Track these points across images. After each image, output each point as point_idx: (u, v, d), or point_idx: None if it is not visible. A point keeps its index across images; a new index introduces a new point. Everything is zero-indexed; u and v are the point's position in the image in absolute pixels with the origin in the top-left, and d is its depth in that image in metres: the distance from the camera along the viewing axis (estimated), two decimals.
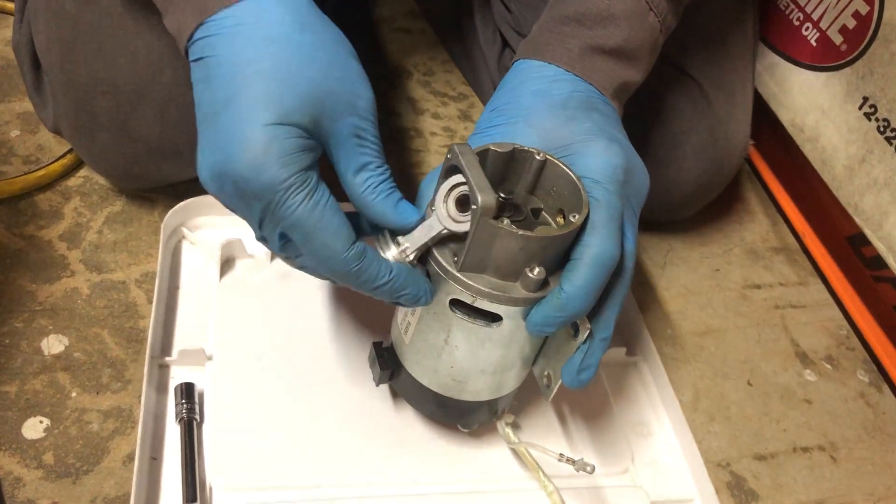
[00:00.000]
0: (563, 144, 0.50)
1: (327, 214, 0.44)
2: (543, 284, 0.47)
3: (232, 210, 0.46)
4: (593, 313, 0.49)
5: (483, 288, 0.46)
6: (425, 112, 0.96)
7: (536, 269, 0.45)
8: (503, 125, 0.52)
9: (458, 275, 0.47)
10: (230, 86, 0.43)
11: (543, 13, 0.58)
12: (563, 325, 0.47)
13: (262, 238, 0.48)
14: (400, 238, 0.48)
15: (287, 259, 0.49)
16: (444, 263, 0.47)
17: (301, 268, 0.49)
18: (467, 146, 0.46)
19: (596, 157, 0.49)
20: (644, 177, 0.53)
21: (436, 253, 0.47)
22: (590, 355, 0.49)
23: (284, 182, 0.42)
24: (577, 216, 0.46)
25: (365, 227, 0.50)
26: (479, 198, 0.43)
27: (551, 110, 0.52)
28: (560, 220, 0.50)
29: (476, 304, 0.47)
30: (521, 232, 0.44)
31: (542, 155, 0.48)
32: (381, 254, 0.47)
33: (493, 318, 0.49)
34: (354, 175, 0.46)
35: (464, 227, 0.46)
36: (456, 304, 0.49)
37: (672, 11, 0.58)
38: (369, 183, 0.46)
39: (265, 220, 0.45)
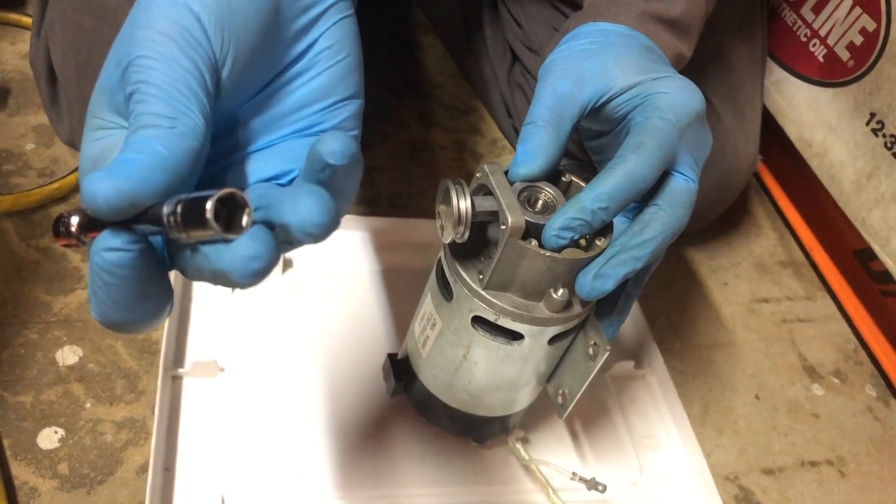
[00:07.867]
0: (647, 78, 0.49)
1: None
2: (567, 306, 0.47)
3: None
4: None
5: (507, 306, 0.47)
6: (435, 125, 0.96)
7: (560, 291, 0.46)
8: (590, 48, 0.50)
9: (482, 292, 0.47)
10: None
11: None
12: (581, 234, 0.44)
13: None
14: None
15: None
16: (469, 281, 0.47)
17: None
18: (498, 166, 0.46)
19: (674, 94, 0.48)
20: (710, 139, 0.51)
21: (461, 270, 0.48)
22: (612, 266, 0.45)
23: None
24: (602, 240, 0.46)
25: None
26: (510, 218, 0.43)
27: (639, 51, 0.51)
28: (583, 242, 0.49)
29: (499, 323, 0.48)
30: (548, 253, 0.44)
31: (567, 177, 0.48)
32: (454, 200, 0.44)
33: (514, 336, 0.49)
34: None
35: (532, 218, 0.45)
36: (478, 321, 0.49)
37: None
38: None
39: None
